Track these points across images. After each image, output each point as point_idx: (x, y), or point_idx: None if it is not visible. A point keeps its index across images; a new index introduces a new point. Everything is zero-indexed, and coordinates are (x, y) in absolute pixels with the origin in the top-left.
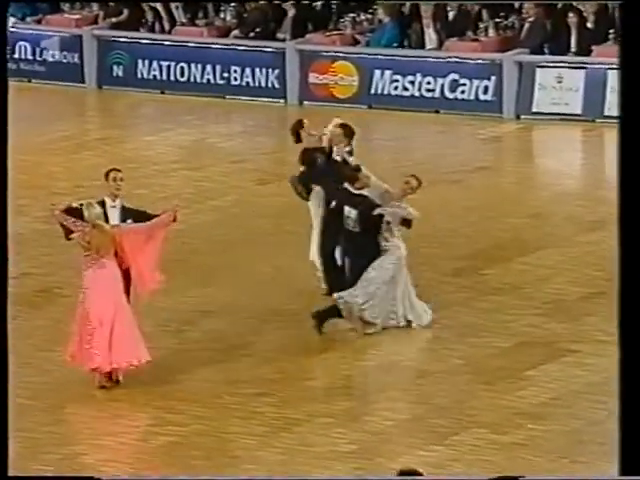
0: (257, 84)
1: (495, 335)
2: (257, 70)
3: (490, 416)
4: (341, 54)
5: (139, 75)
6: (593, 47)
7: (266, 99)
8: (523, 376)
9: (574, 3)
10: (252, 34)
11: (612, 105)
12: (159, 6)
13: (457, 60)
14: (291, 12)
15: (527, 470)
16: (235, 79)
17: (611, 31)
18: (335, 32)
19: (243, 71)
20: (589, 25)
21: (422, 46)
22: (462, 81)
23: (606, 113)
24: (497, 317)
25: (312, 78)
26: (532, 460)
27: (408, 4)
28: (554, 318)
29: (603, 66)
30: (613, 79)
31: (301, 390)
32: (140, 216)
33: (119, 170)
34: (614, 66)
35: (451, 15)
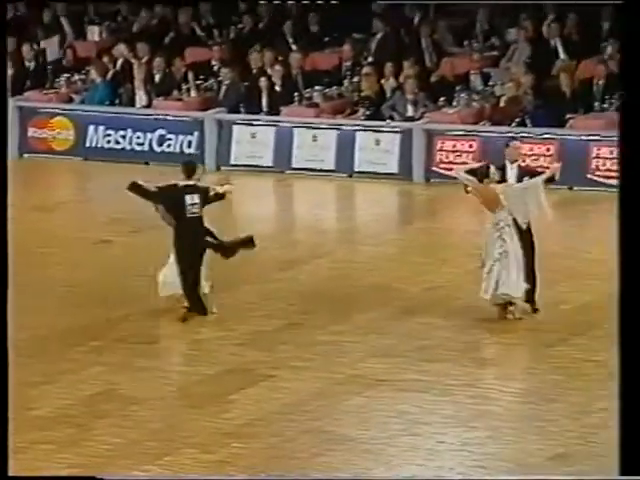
0: None
1: (202, 364)
2: None
3: (198, 437)
4: (58, 110)
5: None
6: (282, 108)
7: None
8: (227, 400)
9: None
10: None
11: (298, 158)
12: None
13: (164, 117)
14: (9, 71)
15: None
16: None
17: (296, 94)
18: (52, 90)
19: None
20: (277, 88)
21: (132, 104)
22: (168, 136)
23: (294, 165)
24: (204, 347)
25: (31, 132)
26: (235, 476)
27: (119, 66)
28: (253, 347)
29: (290, 124)
30: (299, 136)
31: (24, 419)
32: None
33: None
34: (300, 125)
35: (158, 77)
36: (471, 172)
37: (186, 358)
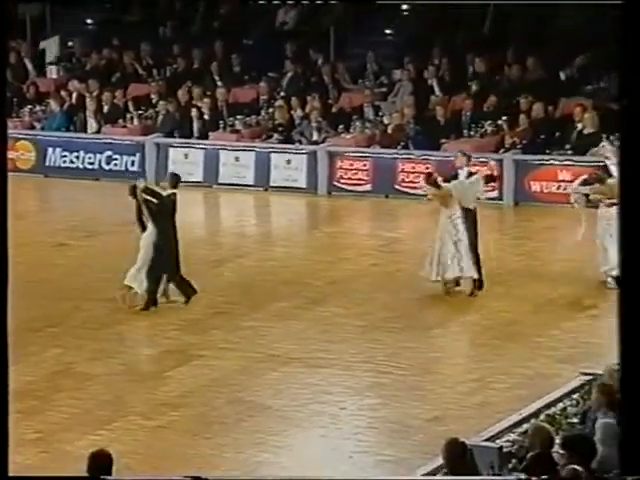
0: None
1: (145, 346)
2: None
3: (141, 407)
4: (22, 135)
5: None
6: (210, 133)
7: None
8: (165, 376)
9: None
10: None
11: (224, 175)
12: None
13: (111, 141)
14: None
15: (168, 446)
16: None
17: (221, 122)
18: (16, 119)
19: None
20: (206, 117)
21: (85, 130)
22: (115, 157)
23: (220, 181)
24: (146, 332)
25: None
26: (172, 439)
27: (74, 99)
28: (187, 332)
29: (217, 147)
30: (224, 157)
31: None
32: None
33: None
34: (225, 147)
35: (106, 108)
36: (431, 183)
37: (131, 341)
